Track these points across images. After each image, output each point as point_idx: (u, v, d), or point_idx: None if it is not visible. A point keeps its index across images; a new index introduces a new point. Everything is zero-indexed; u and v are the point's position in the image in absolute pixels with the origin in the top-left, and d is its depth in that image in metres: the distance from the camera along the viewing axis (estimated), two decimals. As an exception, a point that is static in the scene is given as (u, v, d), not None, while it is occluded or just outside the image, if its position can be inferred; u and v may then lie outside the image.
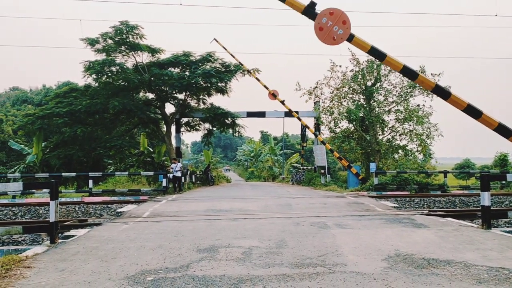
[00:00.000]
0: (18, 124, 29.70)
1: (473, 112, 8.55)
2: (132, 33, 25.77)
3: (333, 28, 7.93)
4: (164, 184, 20.97)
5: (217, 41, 29.42)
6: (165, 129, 30.10)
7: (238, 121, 30.37)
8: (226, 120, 29.73)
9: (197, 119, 31.48)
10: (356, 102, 25.63)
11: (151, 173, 25.11)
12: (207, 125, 32.00)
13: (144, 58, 27.76)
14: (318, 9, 8.68)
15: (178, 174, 21.92)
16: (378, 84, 25.45)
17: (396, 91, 25.41)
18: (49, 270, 5.57)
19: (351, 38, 8.21)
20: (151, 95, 29.88)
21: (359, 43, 8.68)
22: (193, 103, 30.34)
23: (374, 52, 8.97)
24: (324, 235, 7.87)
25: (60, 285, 4.87)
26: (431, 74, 24.61)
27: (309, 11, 8.36)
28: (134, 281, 4.99)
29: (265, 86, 27.89)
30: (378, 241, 7.20)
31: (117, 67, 25.97)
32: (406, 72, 9.02)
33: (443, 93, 8.83)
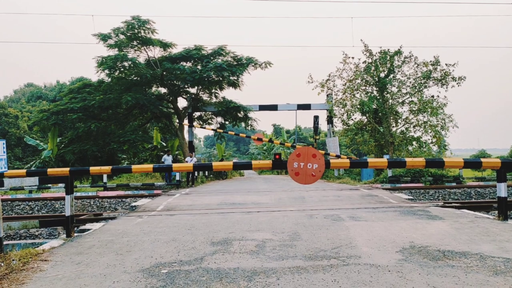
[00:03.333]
0: (33, 120, 30.07)
1: (473, 165, 8.78)
2: (143, 28, 25.87)
3: (307, 167, 8.04)
4: (177, 178, 21.10)
5: None
6: (177, 123, 30.22)
7: (251, 114, 30.36)
8: (238, 114, 29.73)
9: (210, 113, 31.54)
10: (369, 94, 25.40)
11: (164, 167, 25.22)
12: (219, 119, 32.03)
13: (156, 52, 27.88)
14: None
15: None
16: (391, 76, 25.17)
17: (410, 82, 25.14)
18: (65, 263, 5.65)
19: (328, 165, 8.39)
20: (163, 90, 30.00)
21: (337, 164, 9.14)
22: (205, 97, 30.40)
23: (354, 164, 9.50)
24: (337, 227, 7.85)
25: (76, 278, 4.93)
26: (446, 64, 24.34)
27: (277, 164, 8.58)
28: (149, 273, 5.03)
29: (248, 137, 29.60)
30: (392, 233, 7.16)
31: (130, 62, 26.09)
32: (393, 165, 9.42)
33: (438, 163, 9.07)
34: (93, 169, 8.94)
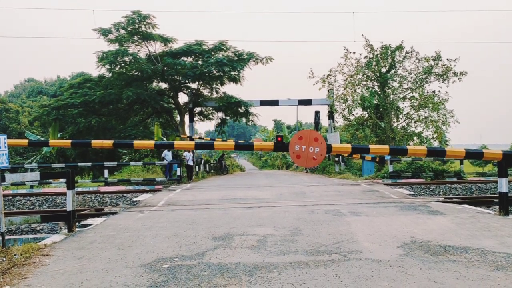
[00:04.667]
0: (34, 115, 30.12)
1: (474, 155, 8.86)
2: (144, 23, 25.82)
3: (308, 150, 8.06)
4: (178, 173, 21.11)
5: None
6: (178, 118, 30.22)
7: (251, 109, 30.29)
8: (239, 109, 29.69)
9: (210, 108, 31.50)
10: (370, 89, 25.35)
11: (165, 162, 25.25)
12: (220, 114, 32.03)
13: (156, 47, 27.83)
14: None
15: (190, 163, 22.22)
16: (392, 71, 25.11)
17: (411, 78, 25.06)
18: (67, 258, 5.66)
19: (330, 149, 8.42)
20: (164, 85, 29.97)
21: (339, 149, 9.20)
22: (206, 92, 30.35)
23: (355, 150, 9.58)
24: (339, 222, 7.85)
25: (78, 273, 4.94)
26: (447, 59, 24.26)
27: (279, 146, 8.65)
28: (150, 268, 5.04)
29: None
30: (393, 228, 7.16)
31: (130, 57, 26.05)
32: (394, 152, 9.59)
33: (439, 153, 9.12)
34: (95, 142, 9.03)
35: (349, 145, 9.01)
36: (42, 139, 32.87)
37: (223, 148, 9.95)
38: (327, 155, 30.37)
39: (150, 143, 10.01)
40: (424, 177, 19.78)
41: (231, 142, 9.54)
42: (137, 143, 9.61)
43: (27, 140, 9.84)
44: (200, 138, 34.36)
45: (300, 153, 8.09)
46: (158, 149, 29.90)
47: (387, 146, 9.20)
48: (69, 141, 8.46)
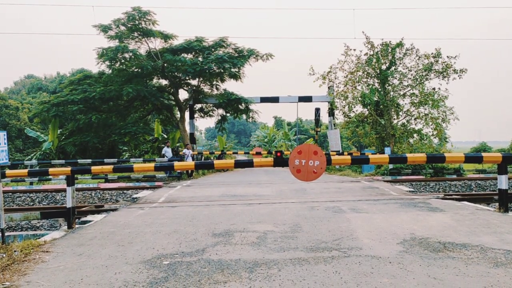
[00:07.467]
0: (33, 112, 30.00)
1: (474, 159, 8.94)
2: (144, 19, 25.77)
3: (308, 164, 8.06)
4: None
5: None
6: (179, 115, 30.19)
7: (252, 106, 30.24)
8: (239, 106, 29.64)
9: (211, 105, 31.44)
10: (370, 86, 25.31)
11: (165, 159, 25.25)
12: (220, 111, 31.98)
13: (157, 44, 27.77)
14: None
15: (190, 160, 22.27)
16: (393, 68, 25.07)
17: (411, 75, 25.01)
18: (67, 254, 5.67)
19: (329, 162, 8.45)
20: (164, 82, 29.92)
21: (338, 161, 9.34)
22: (206, 89, 30.30)
23: (355, 161, 9.86)
24: (339, 219, 7.86)
25: (78, 269, 4.95)
26: (447, 56, 24.22)
27: (279, 161, 8.69)
28: (150, 265, 5.05)
29: (246, 153, 33.37)
30: (393, 225, 7.17)
31: (130, 54, 26.01)
32: (394, 161, 9.82)
33: (439, 159, 9.20)
34: (95, 168, 8.90)
35: (348, 157, 9.08)
36: (42, 135, 32.86)
37: (223, 167, 10.00)
38: (326, 153, 30.35)
39: (150, 166, 9.91)
40: (424, 174, 19.78)
41: (231, 161, 9.60)
42: (136, 167, 9.53)
43: (26, 170, 9.78)
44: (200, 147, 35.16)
45: (300, 168, 8.11)
46: (158, 150, 30.09)
47: (386, 156, 9.25)
48: (69, 169, 8.37)
